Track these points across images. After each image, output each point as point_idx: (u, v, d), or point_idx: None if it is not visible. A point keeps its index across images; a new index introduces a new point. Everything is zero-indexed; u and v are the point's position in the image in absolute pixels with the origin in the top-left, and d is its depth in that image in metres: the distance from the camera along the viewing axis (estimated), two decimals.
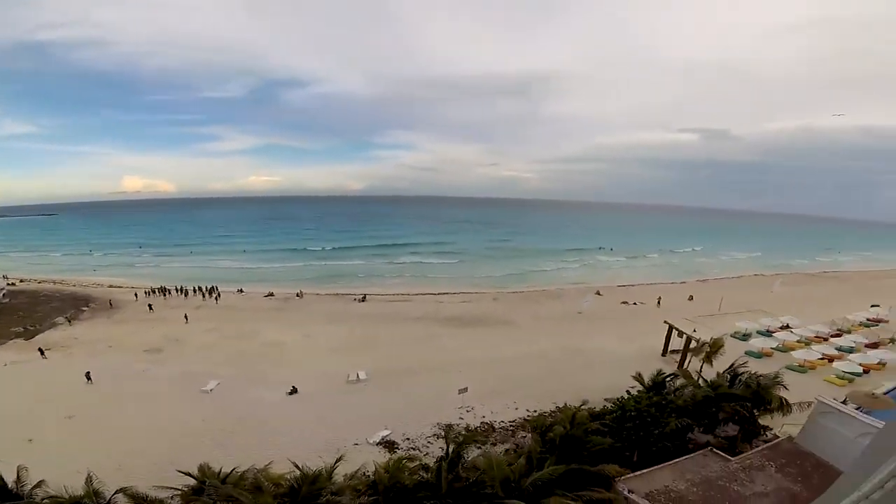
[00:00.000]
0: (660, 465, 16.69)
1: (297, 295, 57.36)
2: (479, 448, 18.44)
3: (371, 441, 22.76)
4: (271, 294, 58.28)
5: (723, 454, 17.90)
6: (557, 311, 52.56)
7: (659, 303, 55.12)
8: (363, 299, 56.24)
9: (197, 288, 58.88)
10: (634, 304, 56.20)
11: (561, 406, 22.76)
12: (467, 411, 26.08)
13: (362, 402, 28.03)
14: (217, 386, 30.20)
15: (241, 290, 60.18)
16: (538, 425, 19.29)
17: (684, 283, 72.87)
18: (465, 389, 26.91)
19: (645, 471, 16.13)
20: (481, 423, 24.72)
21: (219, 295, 56.57)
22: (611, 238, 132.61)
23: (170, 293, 58.09)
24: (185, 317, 46.83)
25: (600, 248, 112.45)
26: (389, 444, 22.43)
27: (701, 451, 17.97)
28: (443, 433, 20.57)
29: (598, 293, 60.51)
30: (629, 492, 14.36)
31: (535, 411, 25.38)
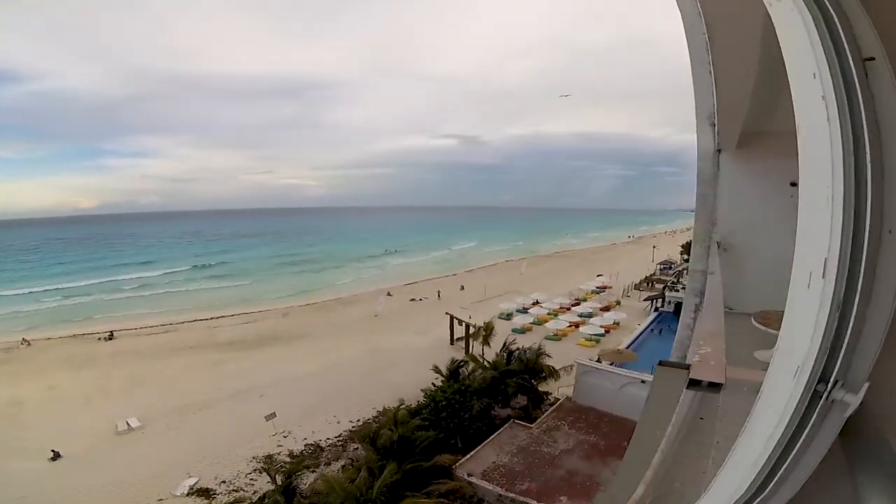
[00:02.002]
0: (481, 445, 19.12)
1: (23, 342, 45.39)
2: (314, 472, 17.71)
3: (177, 493, 19.54)
4: None
5: (523, 423, 21.25)
6: (354, 316, 53.23)
7: (439, 296, 60.84)
8: (110, 337, 47.23)
9: None
10: (421, 299, 61.03)
11: (381, 410, 23.54)
12: (284, 437, 24.45)
13: (146, 453, 23.74)
14: None
15: None
16: (366, 434, 19.64)
17: (455, 274, 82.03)
18: (273, 415, 25.14)
19: (472, 453, 18.36)
20: (305, 445, 23.54)
21: None
22: (396, 240, 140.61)
23: None
24: None
25: (386, 251, 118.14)
26: (203, 492, 19.51)
27: (507, 425, 21.08)
28: (264, 467, 18.98)
29: (389, 294, 63.76)
30: (469, 475, 16.29)
31: (359, 420, 25.57)
